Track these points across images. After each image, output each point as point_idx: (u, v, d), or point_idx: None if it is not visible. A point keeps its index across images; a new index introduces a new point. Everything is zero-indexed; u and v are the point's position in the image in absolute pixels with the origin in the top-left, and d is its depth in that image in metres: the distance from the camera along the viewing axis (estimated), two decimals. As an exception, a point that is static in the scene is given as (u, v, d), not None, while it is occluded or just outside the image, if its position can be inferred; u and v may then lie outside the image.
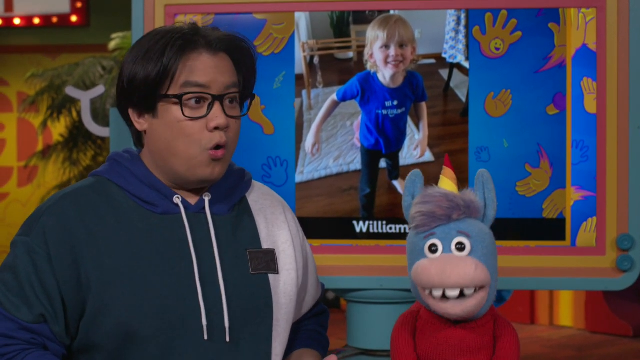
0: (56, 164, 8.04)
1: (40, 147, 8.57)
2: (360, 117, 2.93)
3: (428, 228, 1.64)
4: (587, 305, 7.46)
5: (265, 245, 1.92)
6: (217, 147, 1.82)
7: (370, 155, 2.93)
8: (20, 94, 8.79)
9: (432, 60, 2.92)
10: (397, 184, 2.93)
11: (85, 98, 3.29)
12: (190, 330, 1.80)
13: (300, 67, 2.95)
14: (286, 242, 1.96)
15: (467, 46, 2.89)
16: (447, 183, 1.68)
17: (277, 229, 1.96)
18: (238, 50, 1.88)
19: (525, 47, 2.86)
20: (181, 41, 1.81)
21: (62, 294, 1.78)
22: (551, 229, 2.86)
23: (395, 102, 2.90)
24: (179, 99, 1.80)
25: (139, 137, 1.93)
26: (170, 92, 1.81)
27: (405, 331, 1.68)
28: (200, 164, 1.82)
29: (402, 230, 2.90)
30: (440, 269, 1.59)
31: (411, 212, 1.67)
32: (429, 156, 2.91)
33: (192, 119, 1.80)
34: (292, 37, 2.95)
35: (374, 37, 2.91)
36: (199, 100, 1.81)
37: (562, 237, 2.86)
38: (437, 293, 1.60)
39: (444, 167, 1.70)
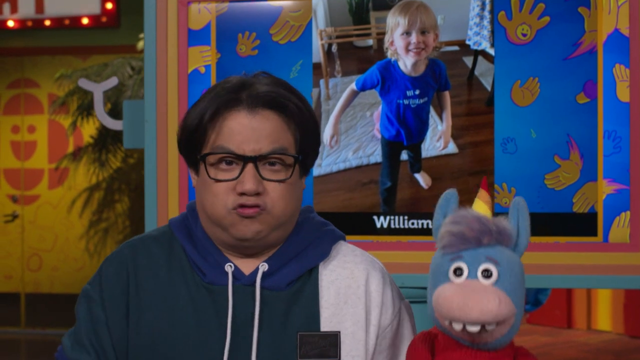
0: (87, 166, 8.02)
1: (70, 148, 8.55)
2: (380, 108, 2.84)
3: (456, 249, 1.54)
4: (626, 309, 7.35)
5: (327, 327, 1.68)
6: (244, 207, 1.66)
7: (391, 147, 2.84)
8: (51, 96, 8.79)
9: (456, 47, 2.82)
10: (419, 176, 2.82)
11: (98, 90, 3.21)
12: None
13: (317, 55, 2.87)
14: (356, 323, 1.70)
15: (493, 32, 2.78)
16: (482, 206, 1.58)
17: (349, 306, 1.71)
18: (283, 107, 1.70)
19: (553, 32, 2.75)
20: (221, 99, 1.69)
21: (113, 341, 1.71)
22: (582, 224, 2.75)
23: (417, 92, 2.80)
24: (203, 160, 1.68)
25: None
26: (203, 152, 1.69)
27: (424, 348, 1.59)
28: (232, 223, 1.66)
29: (425, 226, 2.79)
30: (463, 302, 1.49)
31: (440, 231, 1.56)
32: (452, 148, 2.81)
33: (218, 180, 1.66)
34: (309, 25, 2.86)
35: (395, 24, 2.81)
36: (230, 162, 1.67)
37: (593, 233, 2.75)
38: (458, 327, 1.50)
39: (480, 189, 1.58)
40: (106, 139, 7.80)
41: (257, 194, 1.64)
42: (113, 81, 3.26)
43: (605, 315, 7.65)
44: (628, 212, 2.72)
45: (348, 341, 1.69)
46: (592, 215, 2.75)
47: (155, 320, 1.69)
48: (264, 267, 1.69)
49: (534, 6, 2.76)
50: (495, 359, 1.55)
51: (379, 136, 2.83)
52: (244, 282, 1.68)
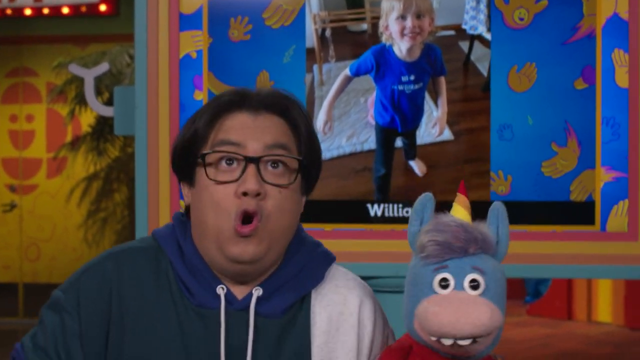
0: (85, 155, 7.98)
1: (69, 138, 8.52)
2: (374, 93, 2.80)
3: (440, 259, 1.49)
4: (627, 300, 7.32)
5: (318, 355, 1.61)
6: (246, 219, 1.55)
7: (385, 134, 2.79)
8: (49, 85, 8.75)
9: (452, 32, 2.78)
10: (414, 164, 2.77)
11: (88, 76, 3.16)
12: None
13: (311, 40, 2.82)
14: (348, 352, 1.63)
15: (489, 16, 2.74)
16: (461, 212, 1.53)
17: (341, 335, 1.64)
18: (286, 108, 1.62)
19: (551, 16, 2.71)
20: (220, 104, 1.61)
21: (85, 357, 1.60)
22: (579, 213, 2.71)
23: (412, 77, 2.76)
24: (202, 159, 1.58)
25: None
26: (202, 152, 1.60)
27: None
28: (228, 240, 1.56)
29: (419, 214, 2.74)
30: (454, 317, 1.45)
31: (421, 239, 1.51)
32: (448, 134, 2.77)
33: (218, 182, 1.56)
34: (302, 9, 2.82)
35: (390, 8, 2.77)
36: (230, 162, 1.57)
37: (591, 222, 2.71)
38: (448, 342, 1.45)
39: (458, 194, 1.53)
40: (104, 128, 7.76)
41: (258, 194, 1.55)
42: (104, 67, 3.21)
43: (605, 307, 7.62)
44: (626, 201, 2.68)
45: None
46: (589, 204, 2.70)
47: (139, 345, 1.58)
48: (258, 291, 1.60)
49: (531, -10, 2.71)
50: None
51: (373, 122, 2.79)
52: (236, 307, 1.59)
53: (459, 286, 1.47)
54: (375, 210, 2.78)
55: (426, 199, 1.54)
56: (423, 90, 2.77)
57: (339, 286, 1.68)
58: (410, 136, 2.78)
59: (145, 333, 1.59)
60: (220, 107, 1.61)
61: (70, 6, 8.58)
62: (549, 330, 7.44)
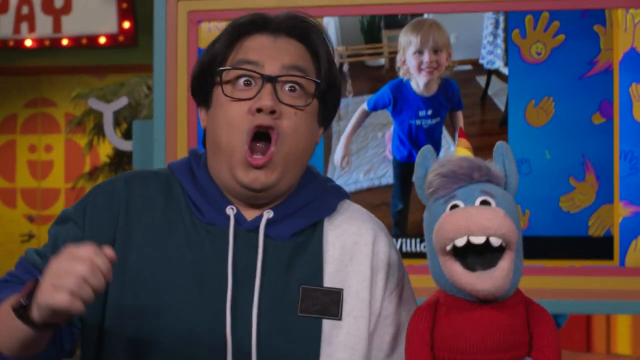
0: (103, 186, 7.99)
1: (87, 168, 8.54)
2: (392, 128, 2.81)
3: (449, 190, 1.48)
4: (647, 332, 7.26)
5: (330, 283, 1.58)
6: (259, 134, 1.53)
7: (402, 169, 2.80)
8: (68, 115, 8.79)
9: (469, 67, 2.79)
10: (431, 198, 2.77)
11: (107, 111, 3.18)
12: None
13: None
14: (362, 282, 1.60)
15: (506, 51, 2.75)
16: (464, 152, 1.52)
17: (355, 264, 1.61)
18: (306, 33, 1.61)
19: (568, 51, 2.72)
20: (239, 24, 1.61)
21: None
22: (598, 248, 2.71)
23: (430, 112, 2.76)
24: (219, 76, 1.58)
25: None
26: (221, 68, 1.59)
27: (429, 312, 1.50)
28: (239, 165, 1.54)
29: (437, 249, 2.74)
30: (466, 214, 1.42)
31: (427, 179, 1.50)
32: (465, 169, 2.75)
33: (234, 99, 1.55)
34: (320, 44, 2.81)
35: (407, 43, 2.77)
36: (248, 82, 1.56)
37: (609, 257, 2.70)
38: (461, 241, 1.42)
39: (458, 138, 1.53)
40: (122, 159, 7.79)
41: (273, 112, 1.53)
42: (123, 101, 3.23)
43: (625, 339, 7.56)
44: (645, 235, 2.68)
45: (351, 300, 1.59)
46: (608, 239, 2.70)
47: (145, 259, 1.57)
48: (269, 213, 1.58)
49: (548, 24, 2.72)
50: (505, 309, 1.48)
51: (391, 157, 2.79)
52: (246, 227, 1.58)
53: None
54: (392, 244, 2.78)
55: (427, 150, 1.54)
56: (440, 125, 2.77)
57: (352, 218, 1.65)
58: (427, 171, 2.78)
59: (153, 249, 1.57)
60: (240, 29, 1.60)
61: (88, 37, 8.63)
62: (568, 362, 7.40)
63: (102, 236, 1.58)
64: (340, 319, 1.57)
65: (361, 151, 2.81)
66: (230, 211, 1.58)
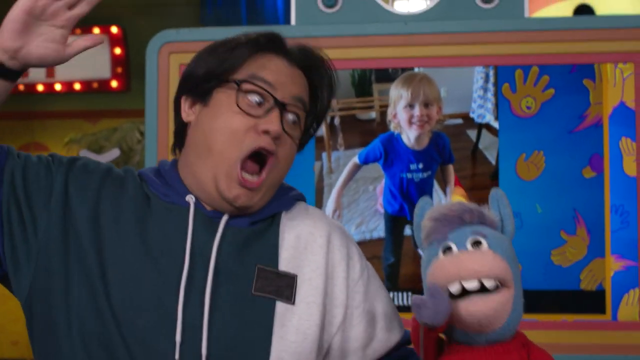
0: (95, 230, 7.98)
1: (79, 213, 8.53)
2: (383, 181, 2.81)
3: (441, 235, 1.51)
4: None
5: (285, 268, 1.61)
6: (257, 154, 1.56)
7: (394, 222, 2.80)
8: (60, 160, 8.80)
9: (460, 120, 2.80)
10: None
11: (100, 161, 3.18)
12: (163, 344, 1.52)
13: (320, 128, 2.81)
14: (315, 270, 1.63)
15: (497, 105, 2.76)
16: (459, 199, 1.54)
17: (309, 253, 1.64)
18: (313, 68, 1.66)
19: (558, 105, 2.73)
20: (257, 39, 1.64)
21: (36, 215, 1.56)
22: (590, 302, 2.71)
23: (421, 165, 2.76)
24: (238, 85, 1.59)
25: (180, 134, 1.69)
26: (238, 78, 1.60)
27: (432, 343, 1.51)
28: (226, 175, 1.57)
29: (429, 303, 2.73)
30: (456, 260, 1.44)
31: (422, 224, 1.53)
32: (456, 222, 2.75)
33: (245, 113, 1.57)
34: (311, 97, 2.82)
35: (398, 96, 2.78)
36: (261, 102, 1.58)
37: (602, 311, 2.70)
38: (455, 288, 1.43)
39: (454, 186, 1.56)
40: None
41: (277, 138, 1.57)
42: (114, 153, 3.25)
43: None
44: (637, 289, 2.68)
45: (305, 287, 1.61)
46: (600, 293, 2.69)
47: (102, 228, 1.56)
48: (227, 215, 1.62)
49: (538, 78, 2.73)
50: (505, 354, 1.48)
51: (382, 211, 2.79)
52: (206, 213, 1.60)
53: (461, 248, 1.46)
54: (384, 298, 2.77)
55: (424, 202, 1.56)
56: (431, 178, 2.77)
57: (309, 214, 1.68)
58: (419, 224, 2.78)
59: (114, 223, 1.57)
60: (259, 44, 1.63)
61: (82, 82, 8.65)
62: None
63: (85, 196, 1.58)
64: (293, 303, 1.59)
65: (352, 204, 2.81)
66: (190, 199, 1.60)
